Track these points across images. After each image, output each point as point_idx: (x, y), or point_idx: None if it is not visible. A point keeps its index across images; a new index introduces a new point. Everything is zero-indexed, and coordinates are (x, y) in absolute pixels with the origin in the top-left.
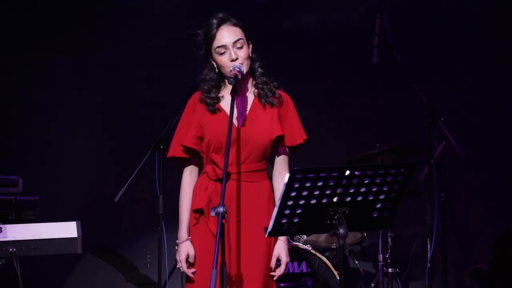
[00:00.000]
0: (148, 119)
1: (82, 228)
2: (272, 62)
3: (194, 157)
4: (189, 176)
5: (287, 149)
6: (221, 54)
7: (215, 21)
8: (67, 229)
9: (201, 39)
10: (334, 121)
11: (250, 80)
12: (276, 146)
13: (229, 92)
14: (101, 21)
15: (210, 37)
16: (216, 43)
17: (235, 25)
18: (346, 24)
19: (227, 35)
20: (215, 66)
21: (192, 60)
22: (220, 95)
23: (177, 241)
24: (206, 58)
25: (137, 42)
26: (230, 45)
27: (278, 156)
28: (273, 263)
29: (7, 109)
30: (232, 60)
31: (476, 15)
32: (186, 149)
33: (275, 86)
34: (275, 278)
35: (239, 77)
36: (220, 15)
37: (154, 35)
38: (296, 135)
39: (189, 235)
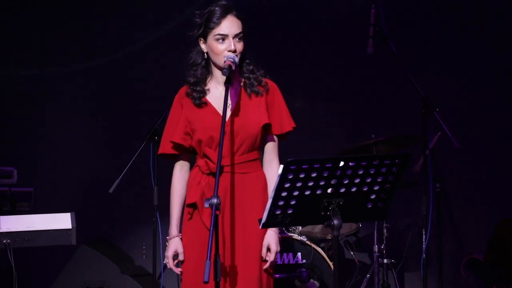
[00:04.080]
0: (143, 111)
1: (76, 220)
2: (268, 51)
3: (184, 152)
4: (179, 172)
5: (275, 137)
6: (219, 41)
7: (220, 8)
8: (62, 221)
9: (200, 21)
10: (329, 111)
11: (237, 70)
12: (264, 135)
13: (215, 84)
14: (96, 12)
15: (212, 22)
16: (219, 30)
17: (238, 17)
18: (342, 13)
19: (232, 26)
20: (204, 51)
21: (188, 53)
22: (206, 88)
23: (167, 237)
24: (196, 41)
25: (133, 34)
26: (231, 36)
27: (266, 144)
28: (263, 252)
29: (1, 100)
30: (229, 51)
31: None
32: (175, 145)
33: (262, 75)
34: (264, 267)
35: (233, 68)
36: (224, 2)
37: (152, 27)
38: (284, 122)
39: (179, 232)
